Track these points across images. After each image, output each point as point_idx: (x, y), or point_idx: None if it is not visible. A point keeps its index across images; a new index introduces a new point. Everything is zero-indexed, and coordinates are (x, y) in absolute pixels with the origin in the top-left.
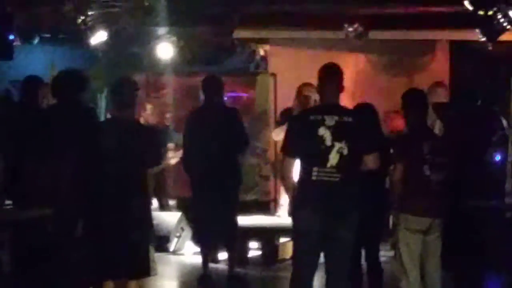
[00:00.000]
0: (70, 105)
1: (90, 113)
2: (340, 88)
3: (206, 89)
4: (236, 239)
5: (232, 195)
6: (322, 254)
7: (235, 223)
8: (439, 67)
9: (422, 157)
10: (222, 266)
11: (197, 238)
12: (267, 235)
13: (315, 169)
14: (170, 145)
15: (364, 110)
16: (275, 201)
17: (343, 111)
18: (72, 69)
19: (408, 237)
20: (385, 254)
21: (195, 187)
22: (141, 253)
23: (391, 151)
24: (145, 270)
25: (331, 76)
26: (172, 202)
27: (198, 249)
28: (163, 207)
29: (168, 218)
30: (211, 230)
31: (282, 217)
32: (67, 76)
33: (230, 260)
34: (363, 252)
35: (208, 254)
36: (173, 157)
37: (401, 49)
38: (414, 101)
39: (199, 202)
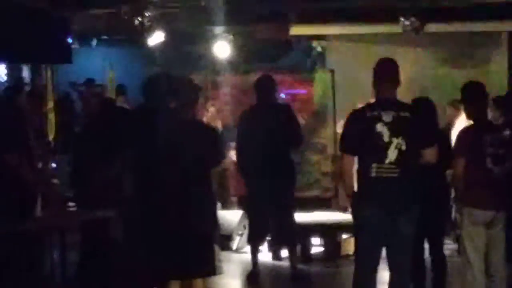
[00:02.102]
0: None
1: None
2: (396, 83)
3: (258, 89)
4: (295, 236)
5: (288, 193)
6: (384, 249)
7: (292, 221)
8: (498, 59)
9: (484, 150)
10: (286, 263)
11: (249, 236)
12: (329, 232)
13: (374, 165)
14: (232, 143)
15: (421, 104)
16: (336, 196)
17: (400, 106)
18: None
19: (471, 231)
20: (448, 247)
21: (249, 185)
22: (209, 252)
23: (453, 144)
24: (212, 269)
25: (387, 71)
26: (234, 200)
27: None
28: (225, 205)
29: (230, 216)
30: (265, 229)
31: (345, 213)
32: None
33: (292, 258)
34: (426, 246)
35: (256, 252)
36: (234, 155)
37: (459, 42)
38: (474, 93)
39: (253, 200)
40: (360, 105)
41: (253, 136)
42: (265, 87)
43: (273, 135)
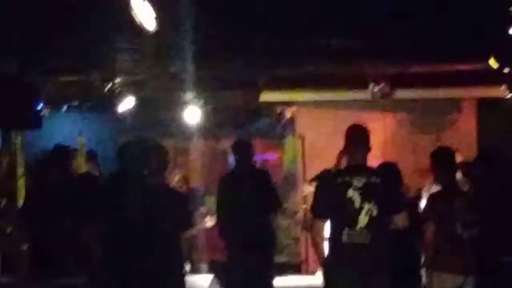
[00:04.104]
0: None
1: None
2: (367, 149)
3: (236, 153)
4: None
5: (269, 259)
6: None
7: (272, 285)
8: (466, 124)
9: (453, 215)
10: None
11: None
12: None
13: (345, 231)
14: (202, 209)
15: (389, 169)
16: (306, 261)
17: (371, 172)
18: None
19: None
20: None
21: (231, 251)
22: None
23: (422, 209)
24: None
25: (358, 137)
26: (203, 266)
27: None
28: (195, 270)
29: (200, 281)
30: None
31: (315, 277)
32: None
33: None
34: None
35: None
36: (207, 221)
37: (428, 108)
38: (442, 159)
39: (235, 266)
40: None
41: (234, 201)
42: (244, 151)
43: (253, 200)
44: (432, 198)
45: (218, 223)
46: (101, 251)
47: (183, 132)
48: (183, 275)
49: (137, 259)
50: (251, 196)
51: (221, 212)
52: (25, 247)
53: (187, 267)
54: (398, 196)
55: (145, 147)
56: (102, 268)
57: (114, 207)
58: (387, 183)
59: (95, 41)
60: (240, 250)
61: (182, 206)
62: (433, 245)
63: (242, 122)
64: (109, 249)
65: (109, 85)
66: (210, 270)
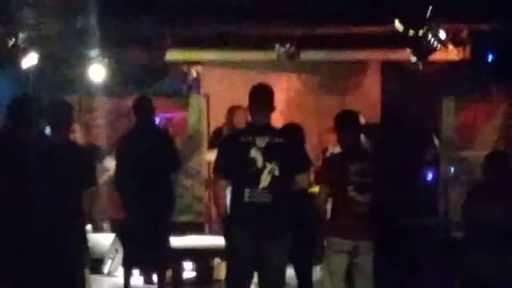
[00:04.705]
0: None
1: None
2: (271, 109)
3: (137, 111)
4: (167, 260)
5: (165, 217)
6: (255, 275)
7: (167, 244)
8: (371, 87)
9: (347, 179)
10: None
11: (124, 259)
12: (201, 256)
13: (247, 190)
14: (103, 164)
15: (294, 130)
16: (209, 221)
17: (274, 131)
18: (28, 93)
19: (331, 258)
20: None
21: (127, 208)
22: (77, 276)
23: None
24: None
25: (261, 96)
26: (105, 224)
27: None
28: (97, 228)
29: (102, 240)
30: (141, 252)
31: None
32: (23, 101)
33: (160, 281)
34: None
35: (129, 276)
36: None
37: (333, 70)
38: (346, 122)
39: (131, 224)
40: None
41: (132, 160)
42: (144, 110)
43: (151, 160)
44: (327, 161)
45: (116, 179)
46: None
47: (87, 90)
48: (84, 233)
49: (40, 215)
50: (148, 154)
51: (118, 169)
52: None
53: (89, 225)
54: (302, 156)
55: (38, 102)
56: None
57: (12, 165)
58: (291, 143)
59: None
60: (136, 209)
61: (84, 162)
62: (324, 209)
63: (147, 81)
64: (10, 206)
65: (13, 40)
66: (112, 229)
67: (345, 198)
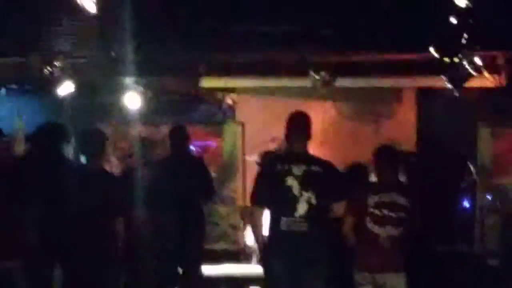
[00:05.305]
0: (49, 156)
1: (68, 164)
2: (308, 136)
3: (172, 139)
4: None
5: (198, 245)
6: None
7: (200, 273)
8: (406, 114)
9: (366, 210)
10: None
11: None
12: (237, 285)
13: (283, 219)
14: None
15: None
16: (245, 250)
17: (311, 159)
18: (54, 121)
19: None
20: None
21: (159, 237)
22: None
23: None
24: None
25: (298, 124)
26: None
27: None
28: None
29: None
30: (173, 280)
31: (253, 266)
32: (49, 128)
33: None
34: None
35: None
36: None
37: (369, 97)
38: (385, 160)
39: (164, 251)
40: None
41: (166, 188)
42: (179, 138)
43: (185, 188)
44: (358, 192)
45: (149, 208)
46: (37, 235)
47: (123, 118)
48: (118, 261)
49: (75, 243)
50: (183, 183)
51: (151, 196)
52: None
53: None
54: (338, 185)
55: (63, 129)
56: (38, 253)
57: (51, 191)
58: (327, 172)
59: (35, 23)
60: (169, 237)
61: (119, 191)
62: (351, 239)
63: (182, 109)
64: (45, 234)
65: (49, 69)
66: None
67: (364, 230)
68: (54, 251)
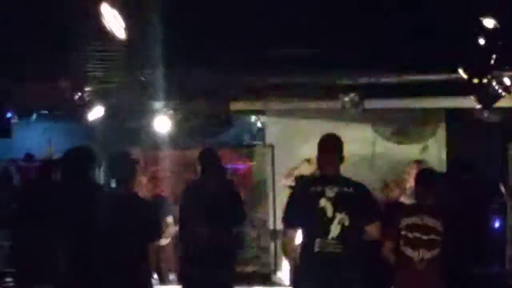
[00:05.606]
0: (79, 181)
1: (98, 189)
2: (340, 159)
3: (202, 162)
4: None
5: (229, 268)
6: None
7: None
8: (436, 135)
9: (398, 233)
10: None
11: None
12: None
13: (317, 240)
14: (169, 218)
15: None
16: (276, 272)
17: (344, 181)
18: (84, 146)
19: None
20: None
21: (191, 260)
22: None
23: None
24: None
25: (330, 146)
26: (172, 276)
27: None
28: (163, 281)
29: None
30: None
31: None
32: (79, 152)
33: None
34: None
35: None
36: (172, 231)
37: (398, 118)
38: (427, 184)
39: (195, 275)
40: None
41: (197, 209)
42: (209, 161)
43: (216, 211)
44: (392, 215)
45: (179, 228)
46: (68, 262)
47: (153, 141)
48: (151, 286)
49: (105, 270)
50: (214, 206)
51: (182, 219)
52: None
53: (155, 277)
54: (371, 207)
55: (91, 154)
56: (68, 279)
57: (76, 215)
58: (360, 194)
59: (64, 49)
60: (200, 261)
61: (149, 214)
62: (390, 262)
63: (212, 132)
64: (76, 260)
65: (79, 94)
66: (178, 281)
67: (399, 253)
68: (84, 278)
